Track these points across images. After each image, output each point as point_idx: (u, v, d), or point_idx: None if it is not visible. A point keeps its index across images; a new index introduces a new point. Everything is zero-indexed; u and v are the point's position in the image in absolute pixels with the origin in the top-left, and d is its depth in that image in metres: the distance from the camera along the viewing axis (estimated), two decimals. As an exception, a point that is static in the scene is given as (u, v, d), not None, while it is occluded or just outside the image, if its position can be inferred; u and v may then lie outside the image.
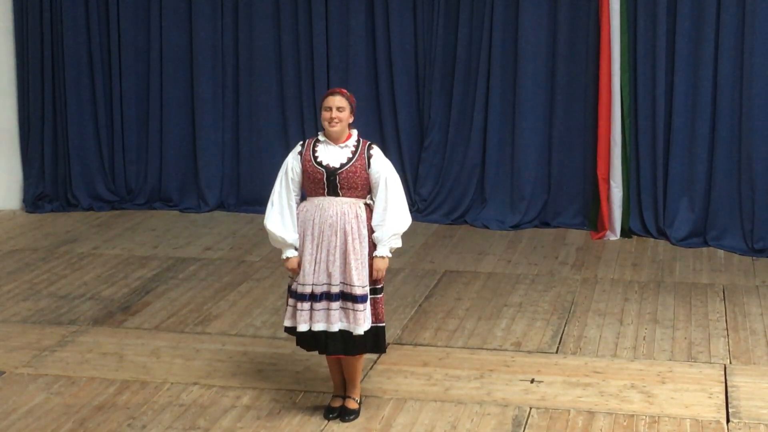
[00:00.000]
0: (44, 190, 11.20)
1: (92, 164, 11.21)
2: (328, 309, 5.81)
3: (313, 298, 5.82)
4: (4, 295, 8.33)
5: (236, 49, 10.93)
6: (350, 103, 5.85)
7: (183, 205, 11.18)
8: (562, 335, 7.37)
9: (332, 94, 5.86)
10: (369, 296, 5.83)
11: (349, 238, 5.77)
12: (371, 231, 5.83)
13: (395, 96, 10.63)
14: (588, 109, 10.15)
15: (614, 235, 9.97)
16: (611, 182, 9.95)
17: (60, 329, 7.52)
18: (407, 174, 10.62)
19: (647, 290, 8.39)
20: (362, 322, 5.78)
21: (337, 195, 5.82)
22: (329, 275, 5.81)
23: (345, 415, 6.02)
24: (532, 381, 6.56)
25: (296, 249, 5.87)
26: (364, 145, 5.87)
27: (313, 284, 5.82)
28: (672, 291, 8.37)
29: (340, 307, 5.81)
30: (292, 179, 5.87)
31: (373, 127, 10.55)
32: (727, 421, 6.02)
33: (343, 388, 6.11)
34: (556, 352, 7.06)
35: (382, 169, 5.84)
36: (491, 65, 10.31)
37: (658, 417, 6.05)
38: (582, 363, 6.86)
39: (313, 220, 5.83)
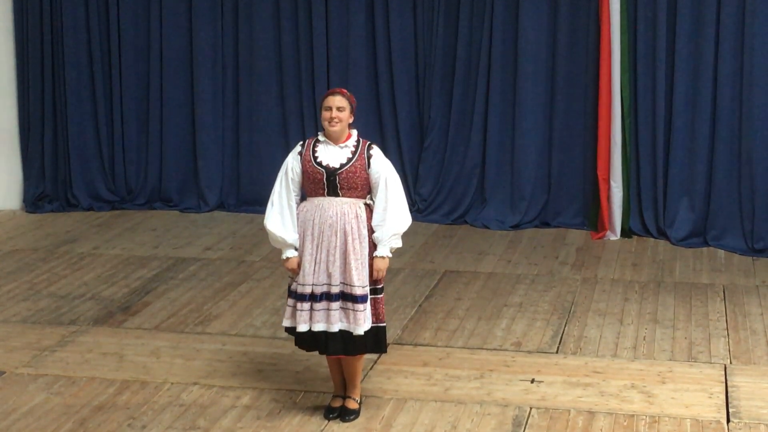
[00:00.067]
0: (44, 190, 11.20)
1: (92, 164, 11.21)
2: (328, 309, 5.81)
3: (313, 298, 5.82)
4: (4, 295, 8.33)
5: (236, 49, 10.93)
6: (350, 103, 5.85)
7: (183, 205, 11.18)
8: (562, 335, 7.36)
9: (332, 94, 5.86)
10: (369, 296, 5.83)
11: (349, 238, 5.77)
12: (371, 231, 5.83)
13: (395, 96, 10.63)
14: (588, 109, 10.15)
15: (614, 235, 9.97)
16: (611, 182, 9.95)
17: (60, 329, 7.52)
18: (407, 174, 10.62)
19: (647, 290, 8.39)
20: (362, 322, 5.78)
21: (337, 195, 5.81)
22: (329, 275, 5.80)
23: (345, 415, 6.02)
24: (533, 381, 6.56)
25: (296, 249, 5.86)
26: (364, 145, 5.87)
27: (313, 284, 5.82)
28: (672, 291, 8.37)
29: (340, 308, 5.81)
30: (292, 179, 5.87)
31: (373, 127, 10.55)
32: (728, 421, 6.02)
33: (344, 388, 6.11)
34: (557, 352, 7.06)
35: (382, 169, 5.84)
36: (491, 65, 10.31)
37: (659, 417, 6.05)
38: (582, 363, 6.86)
39: (313, 221, 5.83)
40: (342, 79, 10.50)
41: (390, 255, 5.86)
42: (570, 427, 5.94)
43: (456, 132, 10.56)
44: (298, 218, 5.88)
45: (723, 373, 6.69)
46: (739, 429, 5.93)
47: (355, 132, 5.92)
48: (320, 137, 5.90)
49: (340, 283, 5.80)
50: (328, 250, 5.80)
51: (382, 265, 5.83)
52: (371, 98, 10.64)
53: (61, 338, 7.33)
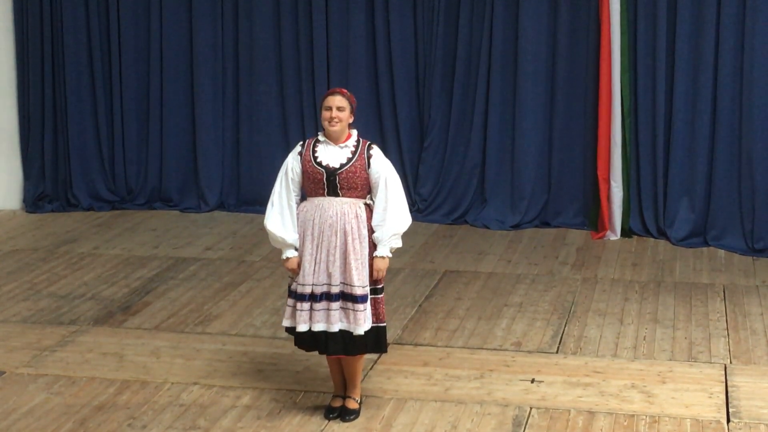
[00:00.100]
0: (44, 190, 11.20)
1: (92, 164, 11.21)
2: (328, 309, 5.81)
3: (312, 298, 5.82)
4: (4, 295, 8.33)
5: (236, 49, 10.93)
6: (350, 103, 5.85)
7: (183, 205, 11.18)
8: (562, 335, 7.36)
9: (332, 93, 5.86)
10: (369, 296, 5.83)
11: (349, 238, 5.77)
12: (371, 231, 5.83)
13: (395, 96, 10.63)
14: (588, 109, 10.15)
15: (614, 235, 9.97)
16: (611, 182, 9.95)
17: (60, 329, 7.52)
18: (407, 174, 10.62)
19: (647, 290, 8.39)
20: (362, 322, 5.78)
21: (337, 195, 5.81)
22: (329, 275, 5.80)
23: (345, 415, 6.02)
24: (533, 381, 6.56)
25: (296, 249, 5.87)
26: (363, 145, 5.87)
27: (312, 284, 5.82)
28: (672, 291, 8.37)
29: (341, 308, 5.81)
30: (292, 179, 5.87)
31: (373, 127, 10.55)
32: (728, 421, 6.02)
33: (344, 388, 6.11)
34: (557, 352, 7.06)
35: (382, 169, 5.84)
36: (491, 65, 10.31)
37: (659, 417, 6.05)
38: (582, 363, 6.86)
39: (313, 221, 5.83)
40: (342, 79, 10.50)
41: (390, 255, 5.86)
42: (570, 427, 5.94)
43: (456, 132, 10.56)
44: (298, 218, 5.88)
45: (723, 372, 6.69)
46: (740, 429, 5.93)
47: (355, 132, 5.92)
48: (320, 137, 5.90)
49: (340, 283, 5.80)
50: (328, 250, 5.80)
51: (382, 265, 5.83)
52: (371, 98, 10.64)
53: (61, 338, 7.33)
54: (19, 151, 11.30)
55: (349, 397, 6.08)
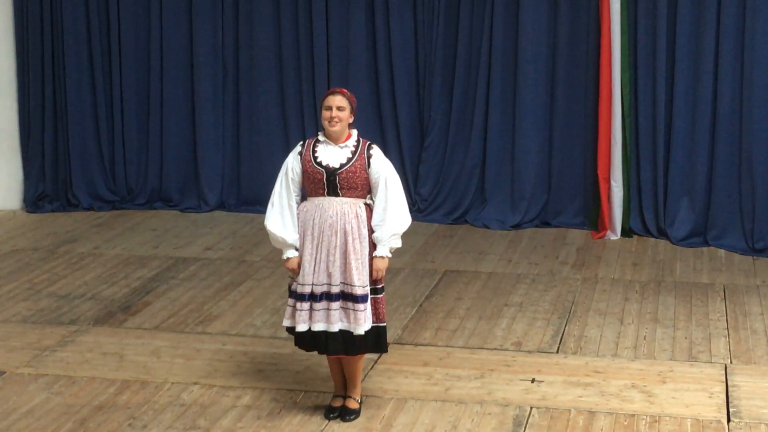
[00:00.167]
0: (45, 190, 11.20)
1: (92, 164, 11.21)
2: (328, 309, 5.81)
3: (312, 298, 5.82)
4: (4, 295, 8.33)
5: (236, 48, 10.93)
6: (350, 103, 5.85)
7: (183, 205, 11.18)
8: (562, 335, 7.36)
9: (332, 93, 5.86)
10: (369, 296, 5.82)
11: (349, 238, 5.77)
12: (371, 231, 5.83)
13: (395, 96, 10.63)
14: (588, 109, 10.15)
15: (615, 235, 9.97)
16: (612, 182, 9.95)
17: (60, 329, 7.52)
18: (407, 174, 10.62)
19: (648, 290, 8.39)
20: (363, 322, 5.78)
21: (337, 195, 5.81)
22: (329, 275, 5.80)
23: (345, 414, 6.02)
24: (533, 381, 6.56)
25: (297, 249, 5.86)
26: (363, 145, 5.87)
27: (312, 284, 5.82)
28: (672, 290, 8.36)
29: (341, 307, 5.81)
30: (292, 179, 5.87)
31: (374, 127, 10.55)
32: (728, 420, 6.02)
33: (344, 387, 6.11)
34: (557, 352, 7.06)
35: (382, 168, 5.83)
36: (491, 65, 10.31)
37: (659, 417, 6.05)
38: (582, 363, 6.86)
39: (313, 220, 5.83)
40: (342, 78, 10.51)
41: (389, 255, 5.85)
42: (570, 427, 5.94)
43: (456, 132, 10.56)
44: (298, 218, 5.88)
45: (723, 372, 6.69)
46: (740, 428, 5.93)
47: (355, 132, 5.92)
48: (320, 137, 5.90)
49: (341, 282, 5.80)
50: (328, 250, 5.80)
51: (381, 265, 5.83)
52: (371, 98, 10.64)
53: (61, 338, 7.33)
54: (19, 151, 11.30)
55: (350, 396, 6.08)
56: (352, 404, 6.07)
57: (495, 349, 7.12)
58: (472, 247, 9.66)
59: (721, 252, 9.51)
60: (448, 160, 10.59)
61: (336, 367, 6.08)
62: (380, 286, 5.91)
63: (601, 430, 5.90)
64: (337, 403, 6.09)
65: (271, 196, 5.91)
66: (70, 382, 6.56)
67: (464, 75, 10.46)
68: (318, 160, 5.82)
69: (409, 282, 8.58)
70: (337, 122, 5.79)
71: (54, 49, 11.04)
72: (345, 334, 5.82)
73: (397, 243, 5.88)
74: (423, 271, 8.89)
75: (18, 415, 6.11)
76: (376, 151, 5.87)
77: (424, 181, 10.68)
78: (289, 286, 5.96)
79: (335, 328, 5.81)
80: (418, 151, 10.72)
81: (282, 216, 5.86)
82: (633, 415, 6.06)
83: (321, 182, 5.80)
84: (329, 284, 5.80)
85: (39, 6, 10.95)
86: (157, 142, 11.16)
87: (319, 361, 6.57)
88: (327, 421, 6.00)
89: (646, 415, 6.07)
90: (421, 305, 8.01)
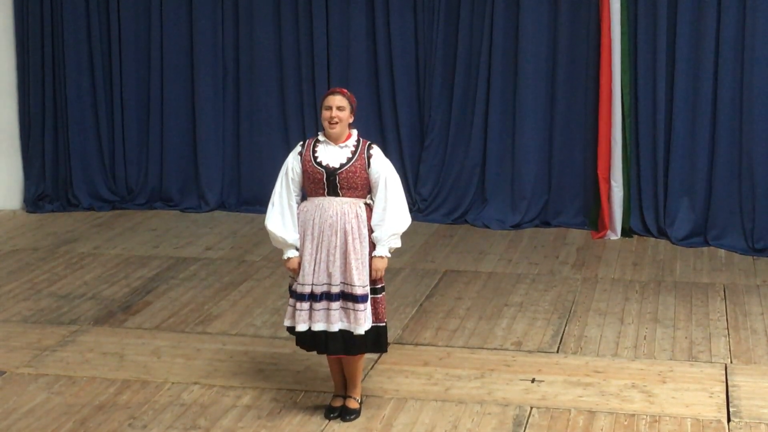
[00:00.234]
0: (45, 189, 11.20)
1: (93, 164, 11.22)
2: (328, 309, 5.81)
3: (312, 298, 5.82)
4: (4, 295, 8.33)
5: (236, 48, 10.94)
6: (350, 103, 5.85)
7: (183, 204, 11.18)
8: (562, 335, 7.36)
9: (332, 93, 5.86)
10: (369, 296, 5.82)
11: (350, 238, 5.77)
12: (371, 231, 5.83)
13: (395, 96, 10.63)
14: (588, 109, 10.15)
15: (615, 235, 9.97)
16: (612, 182, 9.95)
17: (60, 329, 7.52)
18: (407, 174, 10.62)
19: (648, 290, 8.39)
20: (363, 321, 5.78)
21: (337, 195, 5.81)
22: (329, 275, 5.80)
23: (346, 414, 6.02)
24: (533, 380, 6.56)
25: (297, 249, 5.87)
26: (363, 145, 5.87)
27: (312, 284, 5.82)
28: (673, 290, 8.37)
29: (341, 307, 5.81)
30: (292, 179, 5.87)
31: (374, 127, 10.55)
32: (728, 420, 6.02)
33: (344, 387, 6.11)
34: (557, 352, 7.06)
35: (382, 168, 5.83)
36: (491, 65, 10.31)
37: (659, 416, 6.05)
38: (583, 362, 6.86)
39: (313, 220, 5.83)
40: (342, 79, 10.51)
41: (389, 255, 5.86)
42: (570, 427, 5.94)
43: (456, 131, 10.56)
44: (298, 218, 5.88)
45: (723, 372, 6.69)
46: (740, 428, 5.93)
47: (355, 132, 5.92)
48: (320, 137, 5.90)
49: (341, 282, 5.80)
50: (328, 250, 5.80)
51: (380, 265, 5.83)
52: (371, 98, 10.65)
53: (61, 338, 7.33)
54: (19, 150, 11.31)
55: (350, 396, 6.08)
56: (353, 404, 6.07)
57: (495, 349, 7.13)
58: (473, 247, 9.66)
59: (721, 252, 9.52)
60: (448, 160, 10.60)
61: (336, 367, 6.09)
62: (380, 285, 5.91)
63: (601, 430, 5.90)
64: (338, 403, 6.09)
65: (272, 196, 5.91)
66: (70, 382, 6.56)
67: (464, 75, 10.46)
68: (318, 160, 5.82)
69: (409, 282, 8.58)
70: (337, 122, 5.79)
71: (54, 49, 11.05)
72: (345, 334, 5.82)
73: (397, 243, 5.88)
74: (423, 271, 8.89)
75: (18, 415, 6.11)
76: (376, 151, 5.87)
77: (424, 181, 10.68)
78: (290, 286, 5.97)
79: (335, 327, 5.81)
80: (418, 151, 10.72)
81: (282, 216, 5.86)
82: (633, 415, 6.06)
83: (321, 182, 5.80)
84: (329, 284, 5.81)
85: (39, 6, 10.95)
86: (157, 142, 11.16)
87: (319, 361, 6.57)
88: (327, 421, 6.00)
89: (646, 415, 6.07)
90: (421, 305, 8.01)
